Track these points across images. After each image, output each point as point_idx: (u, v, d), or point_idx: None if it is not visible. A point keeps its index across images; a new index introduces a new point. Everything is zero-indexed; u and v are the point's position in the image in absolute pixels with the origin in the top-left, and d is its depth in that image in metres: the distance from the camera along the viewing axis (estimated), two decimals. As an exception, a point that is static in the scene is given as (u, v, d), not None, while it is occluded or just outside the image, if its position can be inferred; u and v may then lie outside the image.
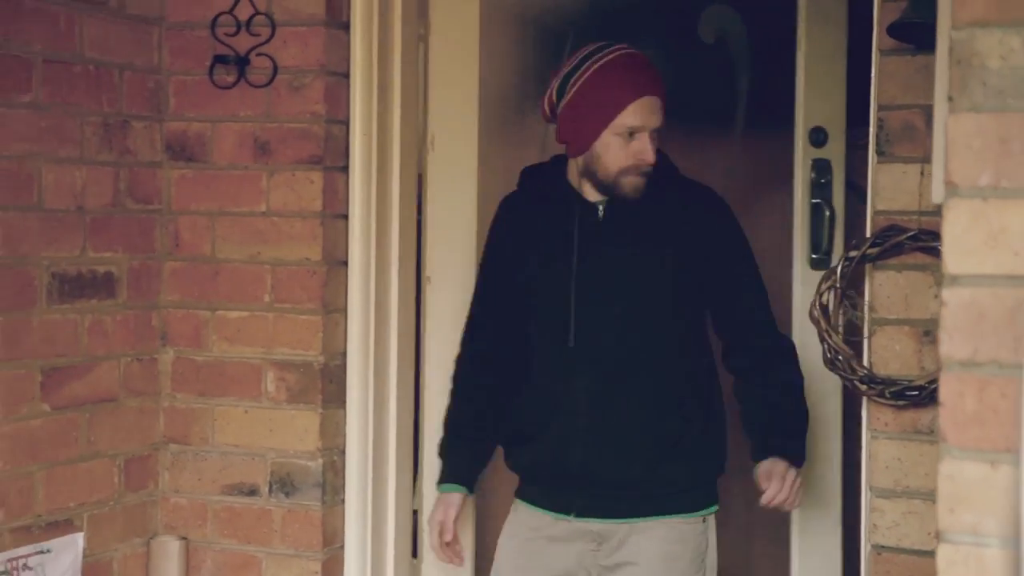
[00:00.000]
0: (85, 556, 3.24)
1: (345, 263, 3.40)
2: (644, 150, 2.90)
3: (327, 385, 3.38)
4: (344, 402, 3.41)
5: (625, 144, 2.90)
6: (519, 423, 3.06)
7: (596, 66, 2.90)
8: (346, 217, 3.39)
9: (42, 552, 3.14)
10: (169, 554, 3.42)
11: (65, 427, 3.19)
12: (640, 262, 2.96)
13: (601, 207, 2.98)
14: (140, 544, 3.42)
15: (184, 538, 3.44)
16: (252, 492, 3.41)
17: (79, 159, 3.20)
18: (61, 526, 3.18)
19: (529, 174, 3.15)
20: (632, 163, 2.91)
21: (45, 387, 3.12)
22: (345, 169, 3.38)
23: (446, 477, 3.14)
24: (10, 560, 3.05)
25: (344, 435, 3.40)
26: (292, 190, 3.35)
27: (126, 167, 3.34)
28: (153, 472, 3.46)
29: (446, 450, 3.17)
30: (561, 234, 2.98)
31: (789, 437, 2.97)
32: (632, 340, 2.95)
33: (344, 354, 3.42)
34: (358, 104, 3.38)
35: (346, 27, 3.38)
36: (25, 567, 3.09)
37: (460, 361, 3.20)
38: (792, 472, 2.92)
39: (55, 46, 3.13)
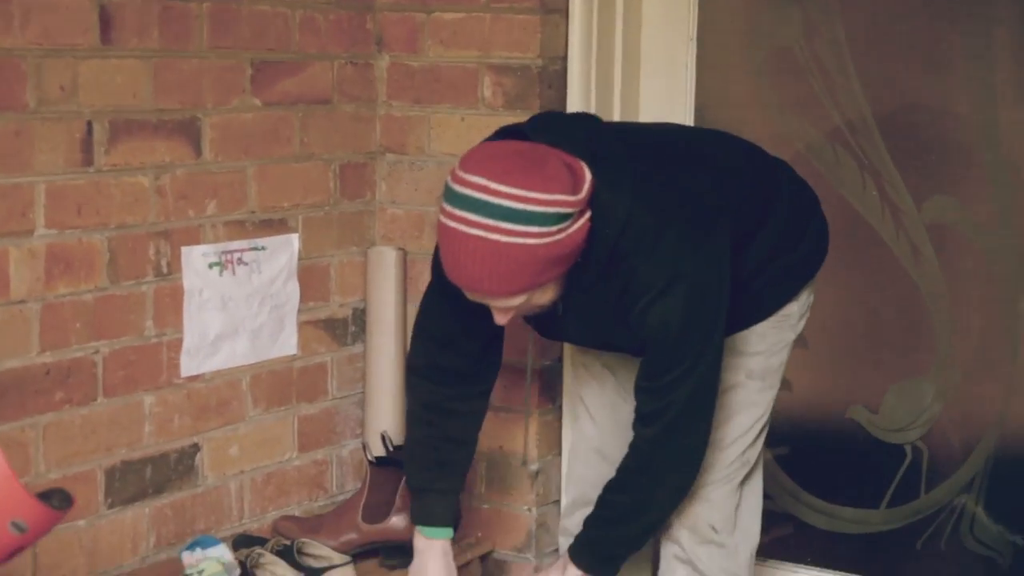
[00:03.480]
0: (300, 259, 3.20)
1: (565, -42, 3.22)
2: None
3: (545, 90, 3.22)
4: (564, 108, 3.26)
5: None
6: None
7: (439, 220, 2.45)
8: (565, -91, 3.21)
9: (257, 249, 3.10)
10: (386, 264, 3.36)
11: (277, 124, 3.12)
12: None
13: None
14: (357, 253, 3.36)
15: (402, 249, 3.37)
16: (469, 202, 3.31)
17: None
18: (275, 225, 3.14)
19: None
20: None
21: (256, 81, 3.05)
22: None
23: None
24: (224, 252, 3.02)
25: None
26: None
27: None
28: (370, 181, 3.38)
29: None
30: None
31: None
32: None
33: (564, 58, 3.25)
34: None
35: None
36: (240, 261, 3.06)
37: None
38: None
39: None
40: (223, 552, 2.66)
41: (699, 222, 2.50)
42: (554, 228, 2.34)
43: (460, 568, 3.27)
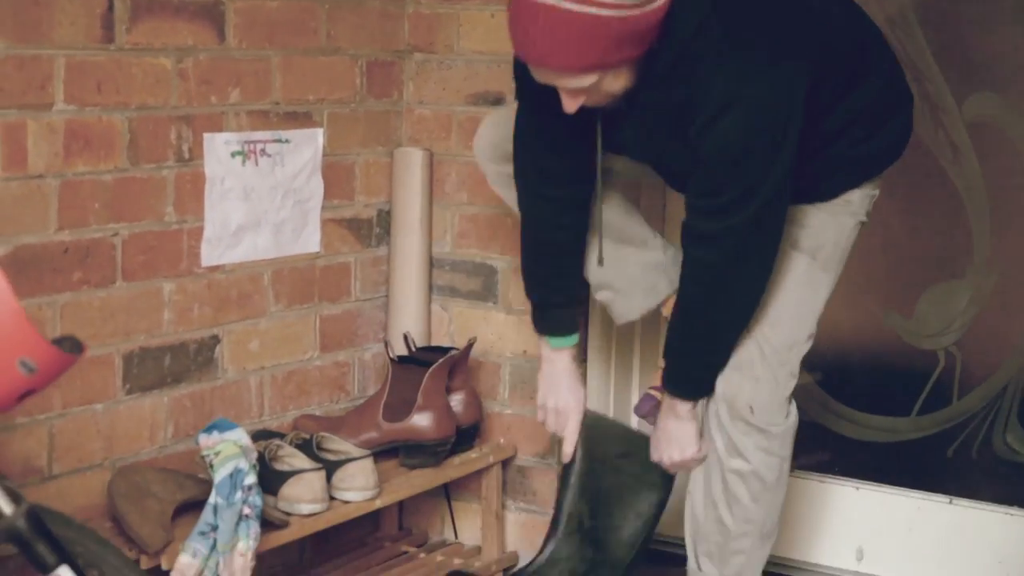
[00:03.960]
0: (325, 154, 3.15)
1: None
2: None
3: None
4: None
5: None
6: None
7: None
8: None
9: (280, 141, 3.05)
10: (413, 165, 3.31)
11: (303, 16, 3.07)
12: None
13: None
14: (383, 153, 3.31)
15: (428, 150, 3.31)
16: (497, 101, 3.25)
17: None
18: (300, 118, 3.09)
19: None
20: None
21: (281, -32, 3.01)
22: None
23: None
24: (247, 142, 2.97)
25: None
26: None
27: None
28: (397, 81, 3.33)
29: None
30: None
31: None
32: None
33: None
34: None
35: None
36: (263, 152, 3.01)
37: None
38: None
39: None
40: (241, 435, 2.61)
41: (774, 49, 2.41)
42: (628, 2, 2.29)
43: (481, 472, 3.24)
